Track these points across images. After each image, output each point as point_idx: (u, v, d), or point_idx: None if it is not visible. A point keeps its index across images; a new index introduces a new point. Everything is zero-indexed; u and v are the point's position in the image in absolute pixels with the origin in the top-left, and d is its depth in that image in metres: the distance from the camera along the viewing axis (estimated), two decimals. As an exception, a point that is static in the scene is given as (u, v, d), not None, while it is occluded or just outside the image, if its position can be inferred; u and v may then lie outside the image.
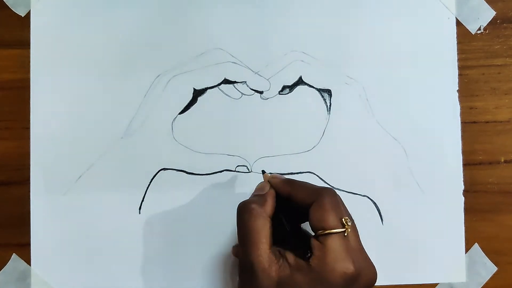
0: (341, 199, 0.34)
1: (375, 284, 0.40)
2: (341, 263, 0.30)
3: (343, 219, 0.32)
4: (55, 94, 0.40)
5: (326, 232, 0.31)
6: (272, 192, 0.35)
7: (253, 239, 0.32)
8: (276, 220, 0.34)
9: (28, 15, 0.41)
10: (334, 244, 0.31)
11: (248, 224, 0.32)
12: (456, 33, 0.41)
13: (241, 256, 0.33)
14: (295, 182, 0.35)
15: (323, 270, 0.30)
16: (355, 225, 0.33)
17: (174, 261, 0.40)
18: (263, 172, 0.38)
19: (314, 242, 0.31)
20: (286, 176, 0.39)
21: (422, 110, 0.41)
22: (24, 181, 0.40)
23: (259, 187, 0.36)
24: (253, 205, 0.33)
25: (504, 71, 0.42)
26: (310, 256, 0.31)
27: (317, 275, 0.30)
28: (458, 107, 0.41)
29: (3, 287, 0.40)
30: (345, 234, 0.31)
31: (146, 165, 0.40)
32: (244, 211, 0.33)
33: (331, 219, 0.31)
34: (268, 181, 0.36)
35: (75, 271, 0.40)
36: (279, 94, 0.41)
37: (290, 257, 0.32)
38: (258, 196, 0.35)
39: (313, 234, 0.32)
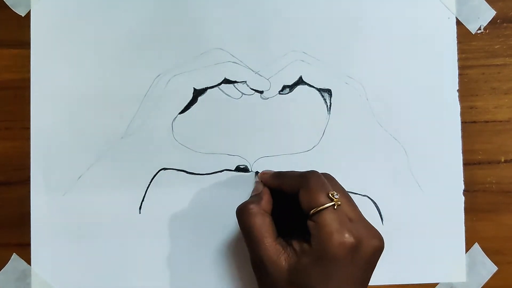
0: (330, 176, 0.35)
1: (375, 284, 0.40)
2: (336, 235, 0.31)
3: (329, 194, 0.32)
4: (55, 94, 0.40)
5: (317, 209, 0.32)
6: (266, 189, 0.36)
7: (257, 236, 0.33)
8: (280, 213, 0.35)
9: (28, 15, 0.41)
10: (326, 219, 0.31)
11: (248, 223, 0.34)
12: (456, 33, 0.41)
13: (250, 254, 0.34)
14: (281, 174, 0.37)
15: (322, 247, 0.31)
16: (350, 197, 0.34)
17: (174, 260, 0.40)
18: (257, 173, 0.39)
19: (310, 223, 0.32)
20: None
21: (422, 110, 0.41)
22: (24, 181, 0.40)
23: (254, 188, 0.38)
24: (250, 205, 0.34)
25: (504, 71, 0.42)
26: (310, 237, 0.32)
27: (318, 253, 0.31)
28: (458, 107, 0.41)
29: (3, 286, 0.40)
30: (335, 207, 0.32)
31: (146, 165, 0.40)
32: (242, 212, 0.34)
33: (319, 197, 0.32)
34: (261, 179, 0.37)
35: (75, 271, 0.40)
36: (279, 94, 0.41)
37: (296, 243, 0.33)
38: (253, 196, 0.36)
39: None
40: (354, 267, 0.31)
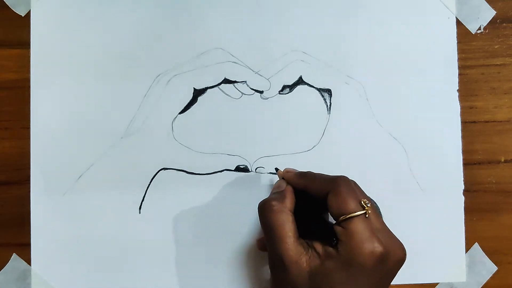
0: (356, 183, 0.35)
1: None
2: (367, 244, 0.31)
3: (362, 202, 0.32)
4: (55, 94, 0.40)
5: (348, 216, 0.31)
6: (290, 187, 0.36)
7: (279, 234, 0.32)
8: (299, 213, 0.35)
9: (28, 15, 0.41)
10: (358, 227, 0.31)
11: (271, 221, 0.33)
12: (456, 32, 0.41)
13: (270, 252, 0.33)
14: (308, 175, 0.36)
15: (351, 254, 0.31)
16: (376, 206, 0.34)
17: (174, 260, 0.40)
18: (276, 169, 0.38)
19: (338, 229, 0.32)
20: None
21: (422, 110, 0.41)
22: (24, 181, 0.40)
23: (277, 185, 0.37)
24: (273, 202, 0.33)
25: (504, 71, 0.42)
26: (337, 242, 0.32)
27: (346, 259, 0.31)
28: (458, 106, 0.41)
29: (3, 286, 0.40)
30: (366, 215, 0.32)
31: (146, 165, 0.40)
32: (265, 209, 0.34)
33: (350, 203, 0.32)
34: (284, 177, 0.36)
35: (75, 271, 0.40)
36: (279, 93, 0.41)
37: (318, 246, 0.32)
38: (276, 193, 0.35)
39: (335, 222, 0.32)
40: (378, 276, 0.31)
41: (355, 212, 0.31)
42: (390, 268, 0.32)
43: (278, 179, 0.37)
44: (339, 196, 0.32)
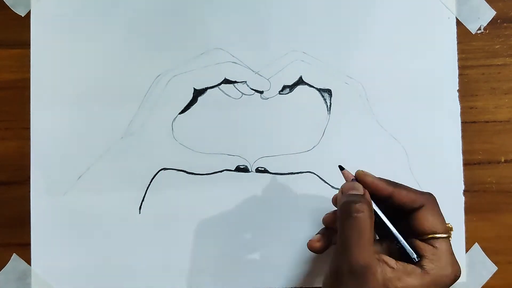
0: None
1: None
2: (454, 267, 0.32)
3: (448, 225, 0.33)
4: (55, 94, 0.40)
5: (438, 236, 0.32)
6: (367, 192, 0.33)
7: (364, 240, 0.30)
8: None
9: (28, 15, 0.41)
10: (445, 248, 0.32)
11: (358, 226, 0.31)
12: (456, 32, 0.41)
13: (345, 257, 0.31)
14: (398, 184, 0.34)
15: (438, 274, 0.31)
16: None
17: (174, 260, 0.40)
18: (341, 168, 0.35)
19: (424, 246, 0.32)
20: (286, 176, 0.40)
21: (422, 110, 0.41)
22: (24, 181, 0.40)
23: (352, 186, 0.33)
24: (364, 206, 0.31)
25: (504, 71, 0.42)
26: (419, 259, 0.32)
27: (431, 278, 0.31)
28: (458, 107, 0.41)
29: (3, 286, 0.40)
30: (450, 238, 0.32)
31: (146, 165, 0.40)
32: (354, 211, 0.31)
33: (442, 224, 0.33)
34: (361, 179, 0.34)
35: (75, 271, 0.40)
36: (279, 94, 0.41)
37: (390, 260, 0.31)
38: (358, 196, 0.33)
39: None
40: None
41: (443, 233, 0.32)
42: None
43: (348, 180, 0.34)
44: (434, 213, 0.33)
